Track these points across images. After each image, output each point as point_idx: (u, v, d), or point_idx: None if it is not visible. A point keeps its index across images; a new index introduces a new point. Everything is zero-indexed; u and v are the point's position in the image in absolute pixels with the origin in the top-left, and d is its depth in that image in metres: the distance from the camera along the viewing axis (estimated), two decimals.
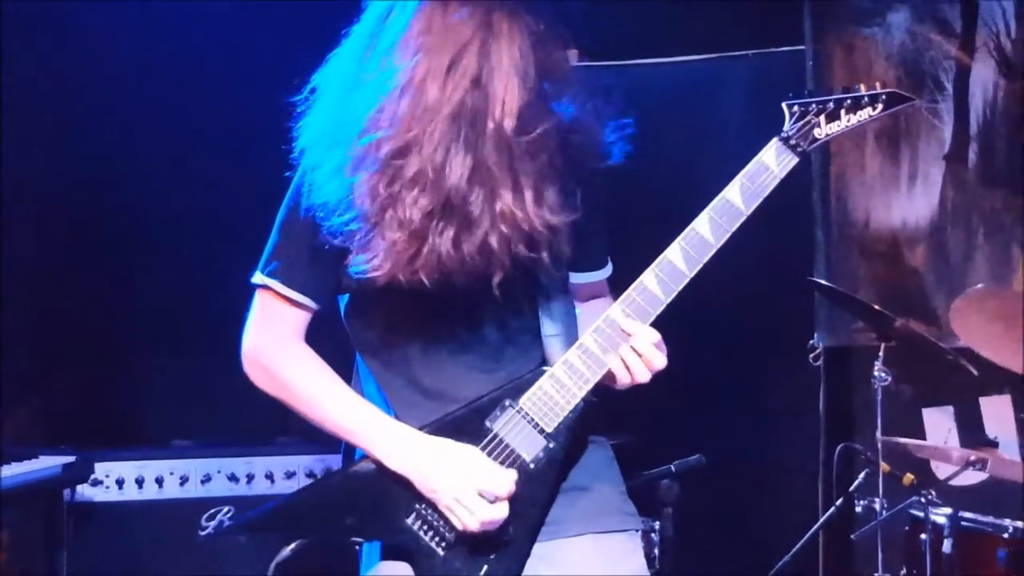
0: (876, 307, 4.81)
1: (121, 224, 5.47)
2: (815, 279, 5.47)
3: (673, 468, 5.00)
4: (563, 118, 2.57)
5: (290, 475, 4.87)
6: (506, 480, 2.52)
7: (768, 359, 5.82)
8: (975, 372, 4.69)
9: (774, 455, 5.75)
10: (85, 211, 5.35)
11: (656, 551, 5.18)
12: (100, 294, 5.39)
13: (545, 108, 2.54)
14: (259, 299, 2.69)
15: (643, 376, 2.56)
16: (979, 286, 5.06)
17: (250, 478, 4.86)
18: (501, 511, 2.52)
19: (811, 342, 5.79)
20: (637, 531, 2.72)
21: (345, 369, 2.76)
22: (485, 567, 2.55)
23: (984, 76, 5.62)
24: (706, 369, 5.69)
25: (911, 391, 5.48)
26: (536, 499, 2.57)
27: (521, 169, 2.48)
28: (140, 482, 4.77)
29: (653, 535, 5.20)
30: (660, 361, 2.56)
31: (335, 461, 4.79)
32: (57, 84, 5.29)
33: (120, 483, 4.76)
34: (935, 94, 5.66)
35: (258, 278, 2.68)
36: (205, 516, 4.67)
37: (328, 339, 2.76)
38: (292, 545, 2.68)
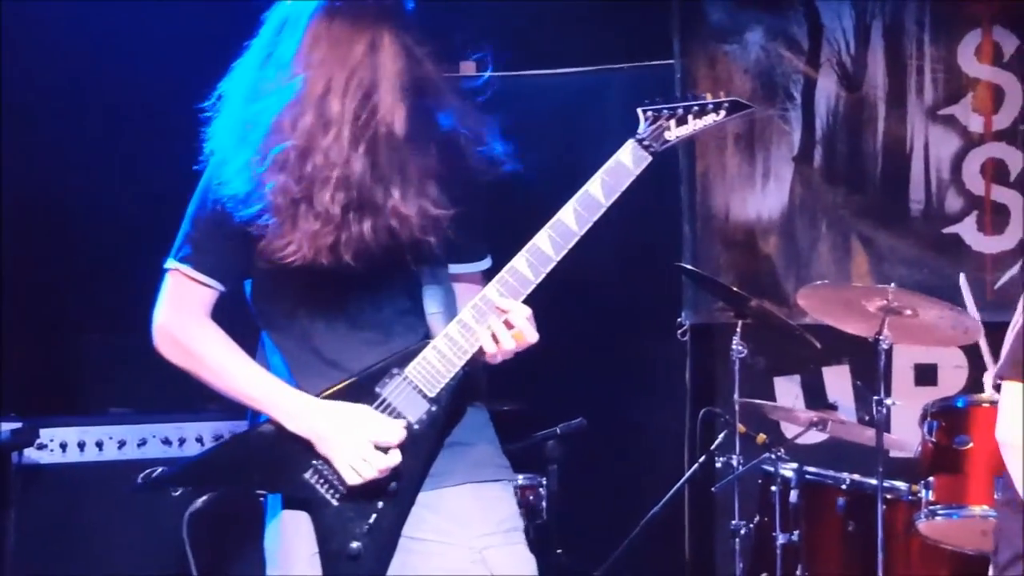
0: (734, 289, 4.87)
1: (66, 207, 5.36)
2: (682, 264, 5.50)
3: (558, 430, 5.00)
4: (443, 126, 2.61)
5: (218, 438, 4.83)
6: (396, 429, 2.55)
7: (641, 334, 5.85)
8: (818, 345, 4.78)
9: (646, 418, 5.76)
10: (27, 193, 5.23)
11: (543, 503, 5.22)
12: (44, 275, 5.30)
13: (426, 117, 2.58)
14: (170, 280, 2.69)
15: (512, 347, 2.57)
16: (820, 281, 5.18)
17: (182, 441, 4.82)
18: (395, 458, 2.54)
19: (678, 320, 5.82)
20: (510, 481, 2.72)
21: (250, 344, 2.76)
22: (374, 515, 2.57)
23: (828, 88, 5.71)
24: (588, 343, 5.74)
25: (764, 362, 5.54)
26: (419, 455, 2.58)
27: (407, 169, 2.52)
28: (82, 446, 4.71)
29: (541, 489, 5.22)
30: (532, 335, 2.58)
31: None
32: None
33: (64, 447, 4.70)
34: (785, 103, 5.72)
35: (170, 263, 2.68)
36: (141, 476, 4.65)
37: (234, 317, 2.77)
38: (204, 497, 2.67)
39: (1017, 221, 5.51)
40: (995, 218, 5.55)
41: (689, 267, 5.48)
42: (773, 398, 5.64)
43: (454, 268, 2.75)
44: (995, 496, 3.95)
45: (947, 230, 5.60)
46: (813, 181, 5.74)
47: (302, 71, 2.52)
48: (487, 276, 2.71)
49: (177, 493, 2.77)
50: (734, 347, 4.76)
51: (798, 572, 4.52)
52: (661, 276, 5.62)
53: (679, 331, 5.83)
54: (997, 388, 2.69)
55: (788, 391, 5.73)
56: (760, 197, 5.79)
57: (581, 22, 5.69)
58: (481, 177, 2.63)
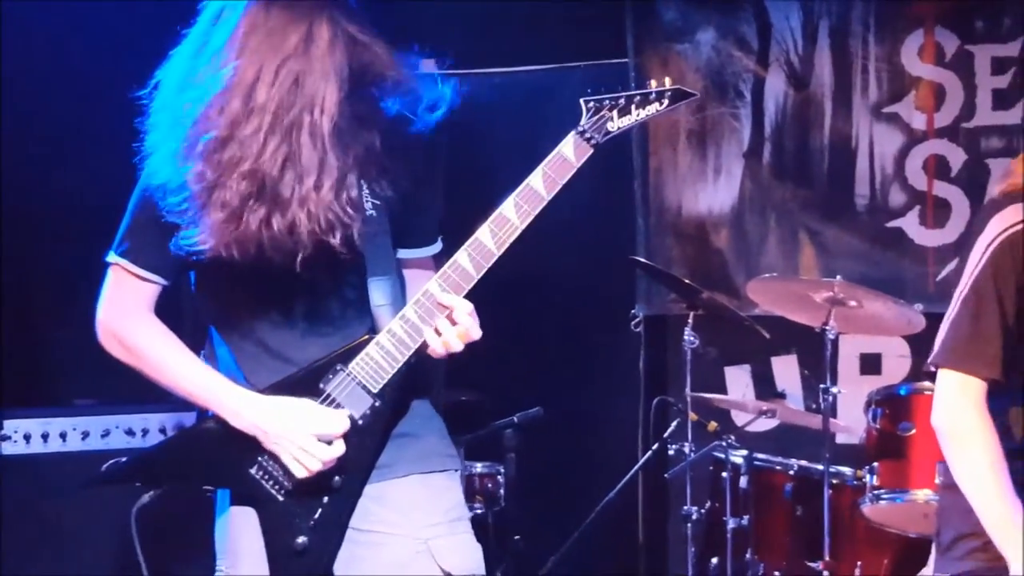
0: (686, 281, 4.87)
1: (28, 199, 5.27)
2: (636, 258, 5.49)
3: (516, 419, 5.01)
4: (388, 112, 2.53)
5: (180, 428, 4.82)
6: (339, 421, 2.50)
7: (597, 326, 5.85)
8: (767, 336, 4.80)
9: (601, 407, 5.77)
10: None
11: (501, 491, 5.22)
12: (7, 268, 5.24)
13: (367, 105, 2.50)
14: (111, 276, 2.62)
15: (456, 344, 2.51)
16: (769, 274, 5.20)
17: (145, 432, 4.78)
18: (338, 449, 2.50)
19: (632, 311, 5.83)
20: (456, 471, 2.68)
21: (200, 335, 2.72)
22: (320, 510, 2.53)
23: (776, 86, 5.72)
24: (544, 335, 5.75)
25: (715, 352, 5.52)
26: (364, 450, 2.54)
27: (331, 161, 2.44)
28: (45, 437, 4.65)
29: (499, 477, 5.22)
30: (475, 331, 2.52)
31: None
32: None
33: (27, 438, 4.64)
34: (736, 101, 5.73)
35: (111, 257, 2.61)
36: (104, 466, 4.60)
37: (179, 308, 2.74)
38: (151, 492, 2.62)
39: (958, 216, 5.55)
40: (937, 213, 5.57)
41: (643, 260, 5.48)
42: (724, 387, 5.67)
43: (403, 253, 2.69)
44: (937, 480, 3.99)
45: (891, 224, 5.62)
46: (762, 177, 5.76)
47: (234, 59, 2.45)
48: (438, 260, 2.66)
49: (137, 486, 2.71)
50: (686, 338, 4.76)
51: (748, 555, 4.54)
52: (616, 269, 5.64)
53: (633, 322, 5.84)
54: (931, 376, 2.70)
55: (738, 380, 5.75)
56: (711, 192, 5.80)
57: (537, 21, 5.69)
58: (428, 164, 2.58)
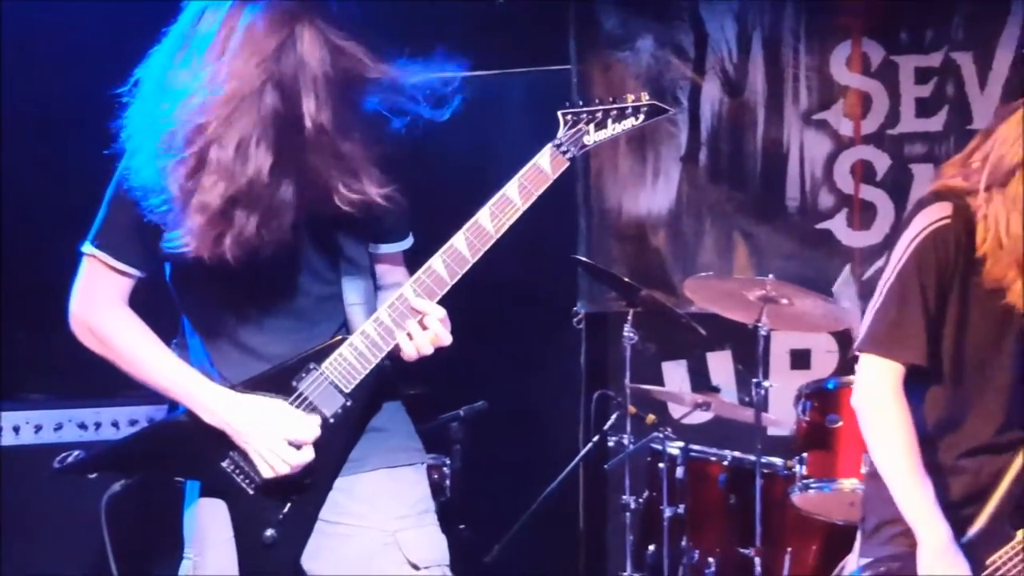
0: (626, 280, 4.88)
1: None
2: (578, 257, 5.51)
3: (461, 413, 5.02)
4: (367, 112, 2.49)
5: (133, 423, 4.73)
6: (310, 427, 2.47)
7: (540, 322, 5.85)
8: (703, 332, 4.83)
9: (544, 401, 5.75)
10: None
11: (447, 481, 5.22)
12: None
13: (345, 106, 2.44)
14: (86, 267, 2.56)
15: (427, 348, 2.50)
16: (705, 273, 5.24)
17: (98, 426, 4.71)
18: (307, 455, 2.46)
19: (574, 308, 5.84)
20: (422, 464, 2.66)
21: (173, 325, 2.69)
22: (289, 505, 2.50)
23: (712, 93, 5.76)
24: (490, 331, 5.73)
25: (653, 348, 5.59)
26: (334, 448, 2.51)
27: (323, 161, 2.40)
28: None
29: (445, 468, 5.23)
30: (446, 337, 2.51)
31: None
32: None
33: None
34: (673, 107, 5.76)
35: (87, 248, 2.55)
36: (57, 459, 4.53)
37: (155, 299, 2.68)
38: (122, 481, 2.58)
39: (883, 218, 5.61)
40: (863, 215, 5.64)
41: (584, 259, 5.49)
42: (662, 382, 5.69)
43: (374, 248, 2.67)
44: (862, 470, 4.05)
45: (820, 226, 5.67)
46: (699, 180, 5.79)
47: (215, 61, 2.40)
48: (408, 256, 2.66)
49: (93, 476, 2.69)
50: (626, 334, 4.78)
51: (683, 542, 4.56)
52: (558, 268, 5.64)
53: (575, 319, 5.85)
54: (856, 360, 2.75)
55: (675, 375, 5.78)
56: (650, 194, 5.82)
57: (482, 27, 5.67)
58: (402, 162, 2.55)
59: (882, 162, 5.63)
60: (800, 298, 4.48)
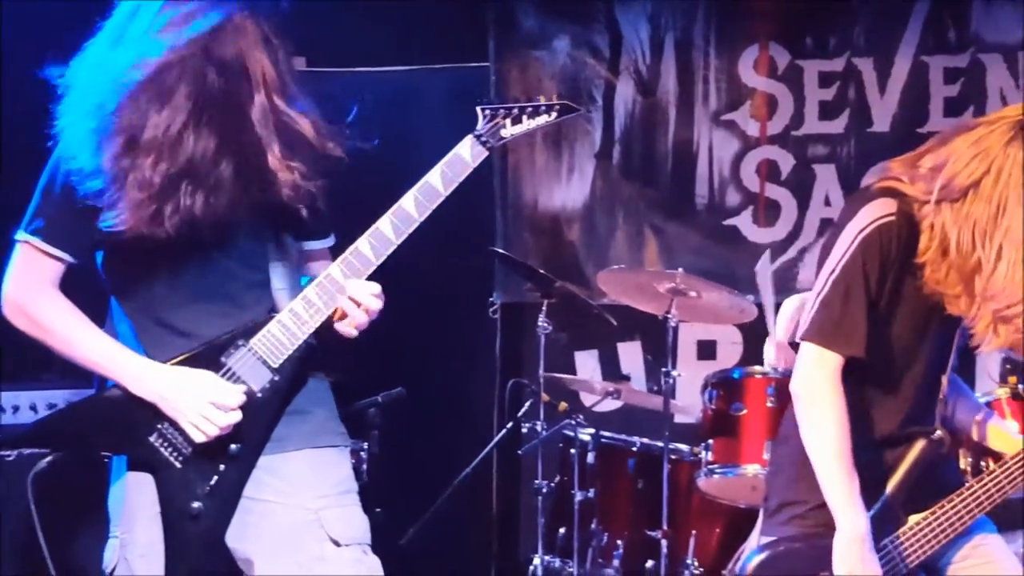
0: (541, 272, 4.87)
1: None
2: (494, 249, 5.50)
3: (379, 399, 4.99)
4: (293, 110, 2.52)
5: (52, 406, 4.64)
6: (234, 392, 2.49)
7: (457, 312, 5.83)
8: (614, 323, 4.85)
9: (460, 388, 5.78)
10: None
11: (364, 466, 5.20)
12: None
13: (274, 99, 2.48)
14: (20, 252, 2.55)
15: (362, 320, 2.54)
16: (617, 266, 5.28)
17: (16, 409, 4.66)
18: (234, 416, 2.48)
19: (490, 299, 5.84)
20: (345, 447, 2.66)
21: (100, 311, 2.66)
22: (216, 477, 2.50)
23: (626, 93, 5.78)
24: (408, 320, 5.65)
25: (566, 338, 5.60)
26: (261, 421, 2.52)
27: (245, 148, 2.44)
28: None
29: (362, 453, 5.20)
30: (375, 304, 2.55)
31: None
32: None
33: None
34: (588, 105, 5.75)
35: (20, 235, 2.54)
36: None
37: (84, 286, 2.65)
38: (48, 458, 2.55)
39: (787, 215, 5.68)
40: (768, 212, 5.70)
41: (501, 251, 5.49)
42: (574, 370, 5.70)
43: (306, 245, 2.70)
44: (764, 456, 4.10)
45: (727, 222, 5.73)
46: (612, 176, 5.82)
47: (151, 48, 2.43)
48: (333, 253, 2.67)
49: (11, 458, 2.64)
50: (540, 324, 4.79)
51: (593, 525, 4.57)
52: (475, 259, 5.62)
53: (490, 309, 5.85)
54: (795, 346, 2.75)
55: (587, 364, 5.80)
56: (565, 189, 5.84)
57: (403, 24, 5.65)
58: (326, 161, 2.57)
59: (786, 162, 5.70)
60: (707, 291, 4.52)
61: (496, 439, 5.17)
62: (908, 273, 2.67)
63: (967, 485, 2.79)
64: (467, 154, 2.59)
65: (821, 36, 5.65)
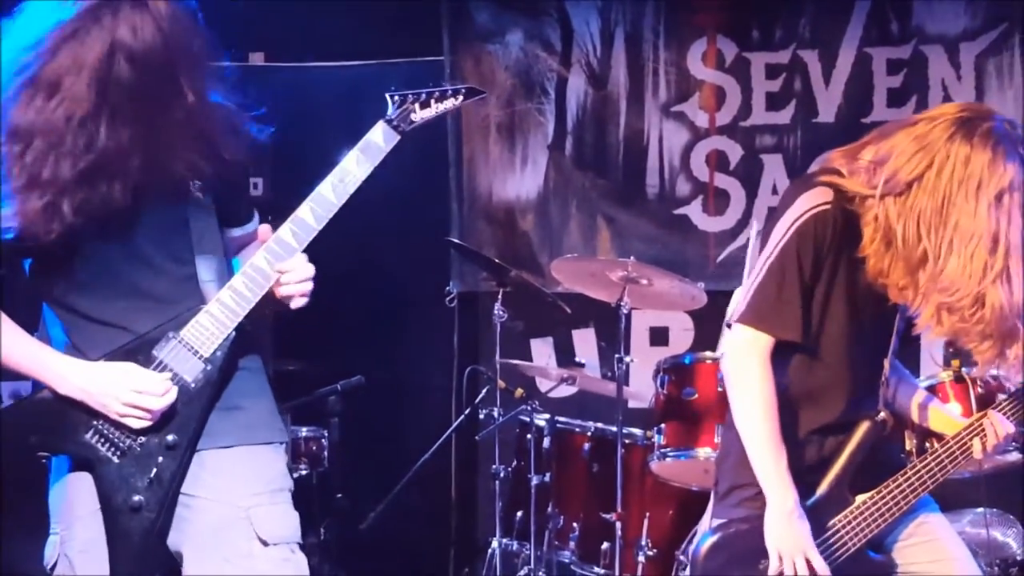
0: (496, 261, 4.86)
1: None
2: (450, 239, 5.48)
3: (339, 387, 5.00)
4: (208, 100, 2.47)
5: None
6: (158, 379, 2.45)
7: (415, 301, 5.84)
8: (569, 311, 4.84)
9: (418, 376, 5.77)
10: None
11: (325, 453, 5.18)
12: None
13: (184, 92, 2.43)
14: None
15: (302, 293, 2.53)
16: (570, 255, 5.28)
17: None
18: (165, 401, 2.45)
19: (447, 288, 5.82)
20: (282, 443, 2.61)
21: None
22: (154, 469, 2.46)
23: (577, 85, 5.78)
24: (367, 309, 5.70)
25: (522, 325, 5.59)
26: (196, 412, 2.49)
27: (176, 137, 2.41)
28: None
29: (323, 440, 5.18)
30: (306, 270, 2.53)
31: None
32: None
33: None
34: (541, 98, 5.77)
35: None
36: None
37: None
38: None
39: (736, 204, 5.71)
40: (717, 202, 5.72)
41: (457, 241, 5.48)
42: (530, 357, 5.70)
43: (232, 232, 2.68)
44: (716, 440, 4.12)
45: (677, 211, 5.74)
46: (565, 167, 5.82)
47: (48, 46, 2.36)
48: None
49: None
50: (496, 312, 4.77)
51: (549, 509, 4.56)
52: (432, 249, 5.61)
53: (447, 298, 5.83)
54: (729, 326, 2.76)
55: (542, 351, 5.80)
56: (519, 180, 5.83)
57: (357, 19, 5.62)
58: (242, 149, 2.54)
59: (735, 152, 5.72)
60: (659, 279, 4.52)
61: (454, 425, 5.16)
62: (845, 261, 2.69)
63: (910, 465, 2.82)
64: (380, 139, 2.59)
65: (767, 29, 5.67)
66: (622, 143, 5.78)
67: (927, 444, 3.15)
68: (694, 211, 5.74)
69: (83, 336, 2.52)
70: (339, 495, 5.01)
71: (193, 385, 2.49)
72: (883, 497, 2.77)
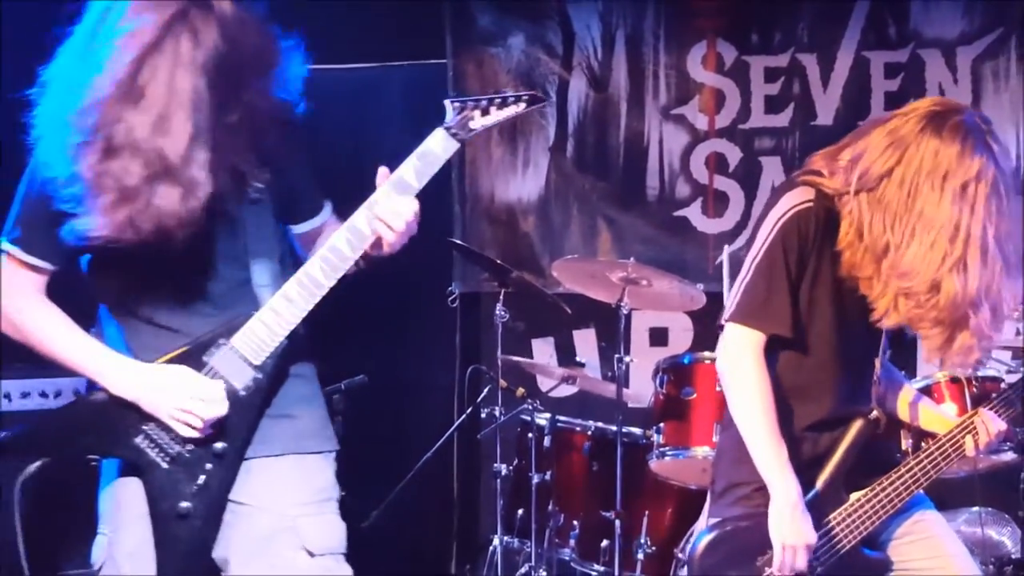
0: (498, 262, 4.86)
1: None
2: (453, 240, 5.48)
3: (343, 386, 4.96)
4: (266, 97, 2.44)
5: (25, 395, 4.63)
6: (213, 386, 2.44)
7: (418, 302, 5.83)
8: (569, 311, 4.83)
9: (421, 375, 5.77)
10: None
11: None
12: None
13: (247, 92, 2.40)
14: (3, 261, 2.51)
15: (393, 239, 2.50)
16: (571, 256, 5.28)
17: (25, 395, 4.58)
18: (218, 410, 2.43)
19: (449, 288, 5.83)
20: (331, 452, 2.59)
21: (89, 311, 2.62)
22: (203, 476, 2.44)
23: (579, 88, 5.78)
24: (370, 309, 5.68)
25: (523, 325, 5.58)
26: (246, 419, 2.46)
27: (239, 143, 2.38)
28: None
29: None
30: (400, 223, 2.48)
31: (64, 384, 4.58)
32: None
33: None
34: (544, 100, 5.84)
35: (2, 244, 2.50)
36: None
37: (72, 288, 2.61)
38: (37, 463, 2.50)
39: (735, 206, 5.71)
40: (716, 204, 5.72)
41: (459, 242, 5.48)
42: (531, 357, 5.70)
43: (296, 229, 2.64)
44: (714, 439, 4.13)
45: (677, 213, 5.74)
46: (566, 169, 5.82)
47: (119, 51, 2.33)
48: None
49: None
50: (497, 312, 4.78)
51: (550, 507, 4.57)
52: (434, 250, 5.52)
53: (450, 299, 5.84)
54: (721, 327, 2.78)
55: (543, 351, 5.80)
56: (520, 182, 5.84)
57: (361, 21, 5.63)
58: (302, 143, 2.51)
59: (734, 154, 5.73)
60: (658, 280, 4.53)
61: (456, 424, 5.17)
62: (828, 258, 2.71)
63: (904, 462, 2.83)
64: (438, 147, 2.52)
65: (766, 33, 5.67)
66: (622, 145, 5.78)
67: (922, 443, 3.17)
68: (693, 213, 5.75)
69: (136, 337, 2.51)
70: (343, 493, 5.01)
71: (243, 393, 2.47)
72: (877, 495, 2.78)
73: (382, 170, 2.53)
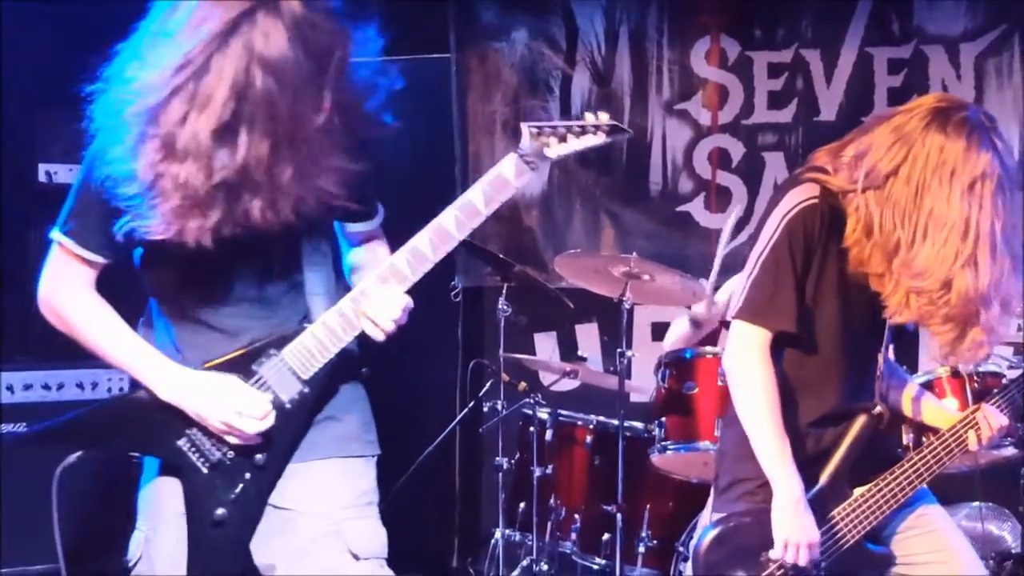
0: (501, 256, 4.86)
1: None
2: None
3: None
4: (338, 96, 2.33)
5: (95, 386, 4.69)
6: (260, 401, 2.40)
7: (420, 296, 5.72)
8: (572, 306, 4.86)
9: (424, 369, 5.73)
10: None
11: None
12: None
13: (322, 89, 2.29)
14: (55, 253, 2.47)
15: (377, 335, 2.46)
16: (574, 250, 5.28)
17: (60, 386, 4.61)
18: (263, 425, 2.39)
19: (452, 283, 5.81)
20: (373, 456, 2.57)
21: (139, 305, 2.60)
22: (241, 485, 2.42)
23: (582, 83, 5.78)
24: None
25: (526, 320, 5.57)
26: (289, 431, 2.44)
27: (304, 148, 2.27)
28: None
29: None
30: (389, 325, 2.45)
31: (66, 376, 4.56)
32: None
33: None
34: (546, 95, 5.77)
35: (55, 235, 2.45)
36: (36, 427, 4.27)
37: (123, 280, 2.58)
38: (78, 453, 2.49)
39: (737, 201, 5.68)
40: (719, 199, 5.72)
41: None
42: (533, 351, 5.71)
43: (351, 227, 2.59)
44: (716, 433, 4.12)
45: (680, 208, 5.74)
46: (569, 164, 5.81)
47: (184, 51, 2.23)
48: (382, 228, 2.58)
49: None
50: (500, 307, 4.78)
51: (552, 500, 4.58)
52: None
53: (452, 293, 5.81)
54: (727, 325, 2.77)
55: (546, 345, 5.81)
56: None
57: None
58: (370, 143, 2.44)
59: (737, 150, 5.72)
60: (661, 275, 4.52)
61: (458, 418, 5.17)
62: (833, 254, 2.71)
63: (907, 457, 2.83)
64: (511, 174, 2.44)
65: (770, 28, 5.67)
66: (625, 141, 5.74)
67: (924, 439, 3.17)
68: (696, 208, 5.74)
69: (185, 336, 2.48)
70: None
71: (289, 406, 2.43)
72: (880, 490, 2.78)
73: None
